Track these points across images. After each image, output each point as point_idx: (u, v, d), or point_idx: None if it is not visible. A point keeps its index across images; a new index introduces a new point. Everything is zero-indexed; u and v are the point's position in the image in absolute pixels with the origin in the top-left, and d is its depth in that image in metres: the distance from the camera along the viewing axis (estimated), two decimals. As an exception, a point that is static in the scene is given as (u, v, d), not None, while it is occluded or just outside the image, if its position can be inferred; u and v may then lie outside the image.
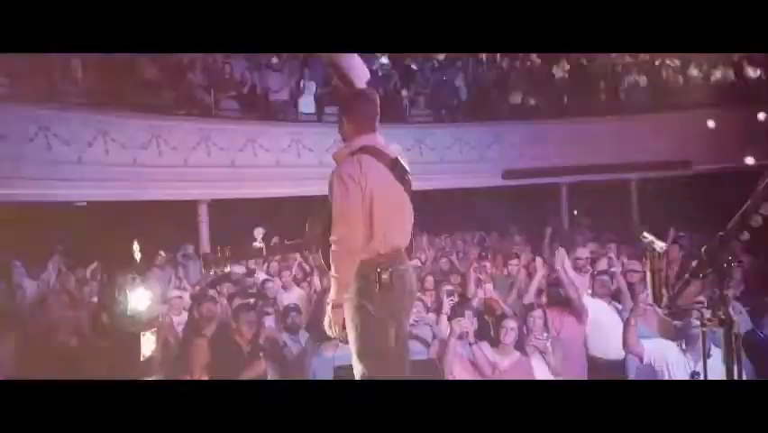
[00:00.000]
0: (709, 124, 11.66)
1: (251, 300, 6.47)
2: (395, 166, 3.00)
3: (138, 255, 3.05)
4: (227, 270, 6.34)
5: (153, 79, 10.40)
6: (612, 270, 5.74)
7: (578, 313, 5.38)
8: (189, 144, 10.19)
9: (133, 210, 9.65)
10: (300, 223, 3.18)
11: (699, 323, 2.82)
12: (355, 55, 3.38)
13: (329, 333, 3.00)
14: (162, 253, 9.25)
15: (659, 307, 2.83)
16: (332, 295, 2.95)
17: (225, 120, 10.79)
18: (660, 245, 2.90)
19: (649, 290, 2.87)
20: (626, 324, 4.46)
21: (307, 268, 8.19)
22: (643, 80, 12.84)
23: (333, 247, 2.88)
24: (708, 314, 2.44)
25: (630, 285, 5.78)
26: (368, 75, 3.41)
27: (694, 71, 12.90)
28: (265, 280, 7.16)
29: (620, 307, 5.36)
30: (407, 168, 3.09)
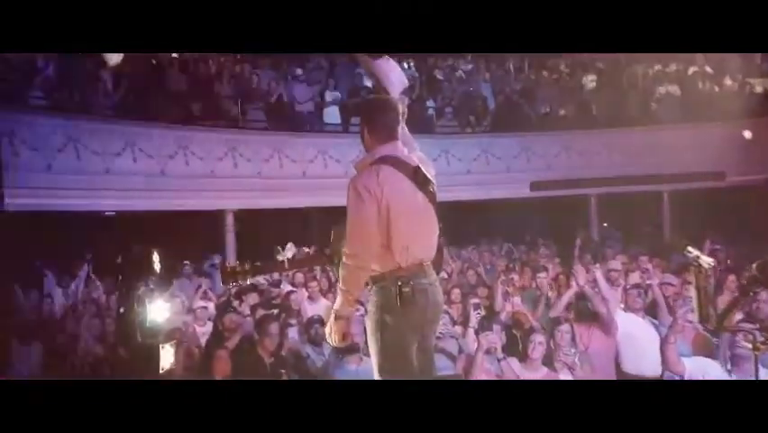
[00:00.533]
0: (745, 134, 11.35)
1: (275, 312, 6.44)
2: (416, 176, 2.90)
3: (157, 266, 2.98)
4: (248, 282, 6.29)
5: (181, 90, 10.49)
6: (648, 282, 5.55)
7: (606, 327, 5.23)
8: (216, 155, 10.23)
9: (161, 220, 9.71)
10: (327, 234, 3.11)
11: (750, 345, 2.68)
12: (391, 61, 3.31)
13: (329, 340, 2.96)
14: (187, 262, 9.29)
15: (705, 326, 2.67)
16: (336, 305, 2.89)
17: (252, 131, 10.83)
18: (707, 261, 2.74)
19: (695, 309, 2.71)
20: (665, 341, 4.28)
21: (333, 278, 8.13)
22: (675, 90, 12.58)
23: (343, 259, 2.80)
24: (760, 337, 2.31)
25: (665, 299, 5.62)
26: (405, 83, 3.32)
27: (728, 81, 12.62)
28: (289, 292, 7.11)
29: (656, 322, 5.19)
30: (431, 177, 2.99)
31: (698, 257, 2.75)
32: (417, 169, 2.91)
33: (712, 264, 2.69)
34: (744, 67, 12.12)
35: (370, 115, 2.99)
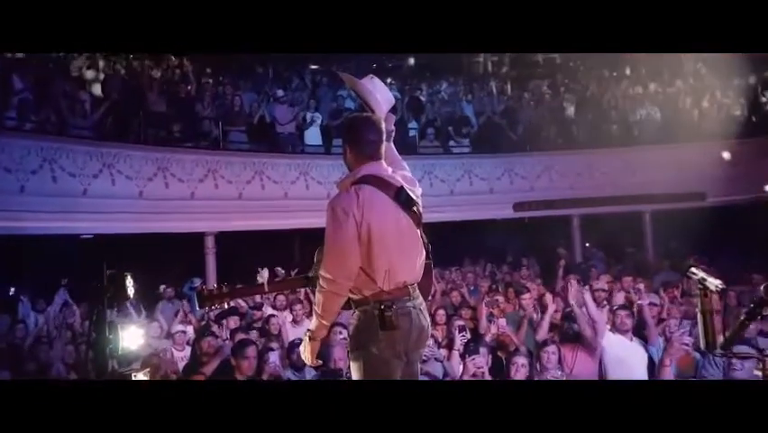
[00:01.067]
0: (725, 155, 11.48)
1: (254, 334, 6.30)
2: (399, 196, 2.80)
3: (132, 290, 2.86)
4: (226, 306, 6.16)
5: (161, 112, 10.40)
6: (640, 302, 5.49)
7: (592, 349, 5.18)
8: (197, 177, 10.11)
9: (140, 243, 9.54)
10: (309, 256, 3.02)
11: (760, 372, 2.61)
12: (375, 79, 3.25)
13: (303, 357, 2.88)
14: (163, 287, 9.12)
15: (715, 353, 2.56)
16: (311, 326, 2.81)
17: (233, 152, 10.72)
18: (715, 283, 2.63)
19: (701, 335, 2.61)
20: (661, 364, 4.23)
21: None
22: (655, 111, 12.72)
23: (320, 282, 2.71)
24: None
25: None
26: (392, 101, 3.24)
27: (706, 103, 12.78)
28: (270, 315, 6.98)
29: (644, 343, 5.13)
30: (416, 198, 2.90)
31: (703, 279, 2.64)
32: (401, 189, 2.82)
33: (720, 287, 2.58)
34: (722, 88, 12.28)
35: (353, 134, 2.91)
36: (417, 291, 2.85)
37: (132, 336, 2.96)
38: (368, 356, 2.72)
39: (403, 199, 2.80)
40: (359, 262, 2.69)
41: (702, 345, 2.64)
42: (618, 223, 12.45)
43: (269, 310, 7.51)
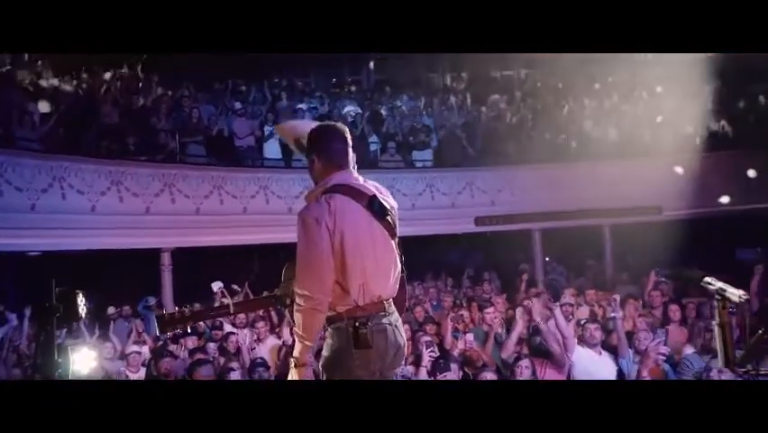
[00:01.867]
0: (677, 170, 11.72)
1: (212, 355, 6.07)
2: (372, 205, 2.67)
3: (83, 309, 2.65)
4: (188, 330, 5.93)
5: (114, 123, 10.08)
6: (613, 314, 5.44)
7: (560, 364, 5.14)
8: (153, 191, 9.78)
9: (92, 260, 9.17)
10: (268, 272, 2.86)
11: None
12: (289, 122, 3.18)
13: None
14: (111, 308, 8.77)
15: (735, 371, 2.44)
16: (295, 352, 2.60)
17: (190, 166, 10.43)
18: (737, 294, 2.48)
19: (720, 350, 2.48)
20: (639, 376, 4.17)
21: (275, 320, 7.79)
22: (612, 127, 12.94)
23: (296, 300, 2.54)
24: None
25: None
26: (311, 124, 3.10)
27: (659, 119, 13.05)
28: (228, 333, 6.75)
29: (613, 356, 5.10)
30: (390, 207, 2.78)
31: (723, 289, 2.48)
32: (373, 197, 2.68)
33: (744, 297, 2.44)
34: (678, 107, 12.54)
35: (319, 143, 2.78)
36: (393, 307, 2.72)
37: (83, 359, 2.75)
38: (342, 377, 2.57)
39: (376, 208, 2.67)
40: (333, 274, 2.54)
41: (721, 363, 2.49)
42: (578, 237, 12.57)
43: (228, 328, 7.27)
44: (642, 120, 13.00)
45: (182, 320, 2.77)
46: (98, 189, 9.23)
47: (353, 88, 15.09)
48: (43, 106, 9.63)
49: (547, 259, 13.10)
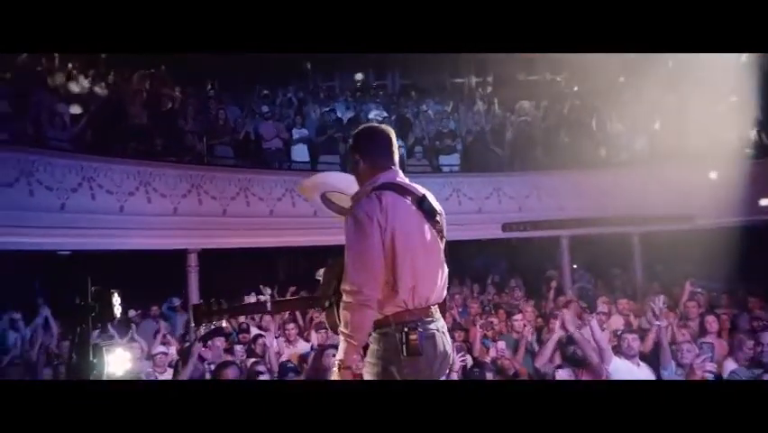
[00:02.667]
0: (712, 176, 11.44)
1: (240, 358, 6.03)
2: (423, 205, 2.58)
3: (118, 309, 2.60)
4: (223, 324, 5.91)
5: (143, 125, 10.12)
6: (657, 324, 5.27)
7: (597, 375, 4.99)
8: (180, 192, 9.80)
9: (119, 260, 9.19)
10: (294, 274, 2.80)
11: None
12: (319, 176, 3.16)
13: None
14: (132, 311, 8.77)
15: None
16: (339, 354, 2.49)
17: (217, 167, 10.45)
18: None
19: None
20: None
21: (301, 323, 7.74)
22: (642, 133, 12.71)
23: (344, 298, 2.43)
24: None
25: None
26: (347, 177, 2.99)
27: (692, 124, 12.78)
28: (257, 336, 6.70)
29: (651, 367, 4.94)
30: (439, 209, 2.69)
31: None
32: (424, 197, 2.60)
33: None
34: (711, 109, 12.26)
35: (366, 143, 2.72)
36: (439, 312, 2.62)
37: (118, 360, 2.69)
38: None
39: (426, 208, 2.58)
40: (384, 273, 2.44)
41: None
42: (607, 244, 12.35)
43: (254, 331, 7.23)
44: (674, 125, 12.73)
45: (219, 313, 2.72)
46: (127, 190, 9.26)
47: (381, 93, 15.05)
48: (74, 108, 9.69)
49: (575, 267, 12.90)
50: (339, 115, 12.77)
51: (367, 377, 2.54)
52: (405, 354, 2.44)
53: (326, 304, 2.63)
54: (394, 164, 2.71)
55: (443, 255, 2.67)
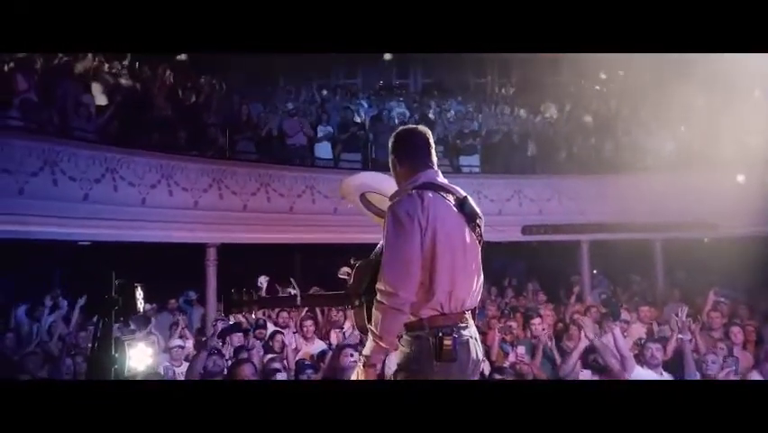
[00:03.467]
0: (739, 179, 11.20)
1: (257, 352, 6.02)
2: (464, 207, 2.55)
3: (141, 303, 2.58)
4: (252, 316, 5.91)
5: (167, 118, 10.15)
6: (680, 336, 5.17)
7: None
8: (201, 186, 9.82)
9: (137, 252, 9.23)
10: (312, 271, 2.78)
11: None
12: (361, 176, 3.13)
13: None
14: (147, 305, 8.78)
15: None
16: (366, 350, 2.45)
17: (239, 162, 10.46)
18: None
19: None
20: None
21: (320, 321, 7.70)
22: (669, 140, 12.52)
23: (378, 297, 2.38)
24: None
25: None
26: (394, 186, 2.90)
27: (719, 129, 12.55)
28: (275, 332, 6.68)
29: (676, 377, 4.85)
30: (479, 212, 2.64)
31: None
32: (465, 199, 2.56)
33: None
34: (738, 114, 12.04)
35: (404, 144, 2.70)
36: (471, 319, 2.57)
37: (139, 355, 2.67)
38: None
39: (467, 210, 2.54)
40: (421, 275, 2.39)
41: None
42: (627, 250, 12.19)
43: (271, 327, 7.22)
44: (701, 130, 12.51)
45: (249, 303, 2.71)
46: (149, 182, 9.30)
47: (403, 92, 15.01)
48: (100, 99, 9.74)
49: (595, 272, 12.75)
50: (362, 113, 12.73)
51: (396, 378, 2.49)
52: (438, 359, 2.38)
53: (356, 303, 2.59)
54: (433, 164, 2.69)
55: (480, 260, 2.62)
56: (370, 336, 2.45)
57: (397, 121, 11.98)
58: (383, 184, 2.91)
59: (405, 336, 2.47)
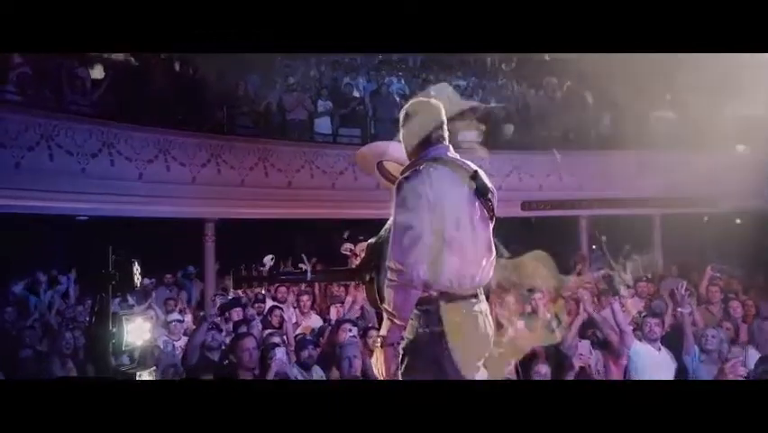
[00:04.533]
0: (739, 148, 11.15)
1: (256, 328, 6.02)
2: (475, 181, 2.50)
3: (138, 279, 2.56)
4: (258, 290, 5.92)
5: (164, 92, 10.04)
6: (681, 309, 5.15)
7: (616, 355, 4.96)
8: (199, 161, 9.76)
9: (135, 227, 9.20)
10: (310, 247, 2.76)
11: None
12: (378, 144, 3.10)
13: (375, 372, 2.49)
14: (146, 279, 8.78)
15: None
16: (383, 330, 2.44)
17: (237, 137, 10.38)
18: None
19: None
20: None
21: (317, 295, 7.71)
22: (670, 114, 12.42)
23: (389, 275, 2.36)
24: None
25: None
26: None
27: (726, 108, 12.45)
28: (274, 307, 6.68)
29: (672, 353, 4.86)
30: (491, 186, 2.60)
31: None
32: (476, 173, 2.51)
33: None
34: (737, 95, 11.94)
35: (414, 117, 2.63)
36: (483, 295, 2.56)
37: (137, 330, 2.66)
38: (426, 364, 2.43)
39: (479, 185, 2.49)
40: (430, 252, 2.36)
41: None
42: (626, 226, 12.17)
43: (270, 303, 7.22)
44: (704, 109, 12.41)
45: (259, 279, 2.71)
46: (146, 157, 9.25)
47: (403, 66, 14.85)
48: (95, 72, 9.62)
49: (594, 247, 12.74)
50: (360, 88, 12.61)
51: (404, 354, 2.47)
52: (446, 333, 2.38)
53: (367, 278, 2.57)
54: (444, 139, 2.63)
55: (491, 235, 2.58)
56: (386, 318, 2.43)
57: (396, 96, 11.87)
58: (401, 153, 2.86)
59: (415, 310, 2.45)
